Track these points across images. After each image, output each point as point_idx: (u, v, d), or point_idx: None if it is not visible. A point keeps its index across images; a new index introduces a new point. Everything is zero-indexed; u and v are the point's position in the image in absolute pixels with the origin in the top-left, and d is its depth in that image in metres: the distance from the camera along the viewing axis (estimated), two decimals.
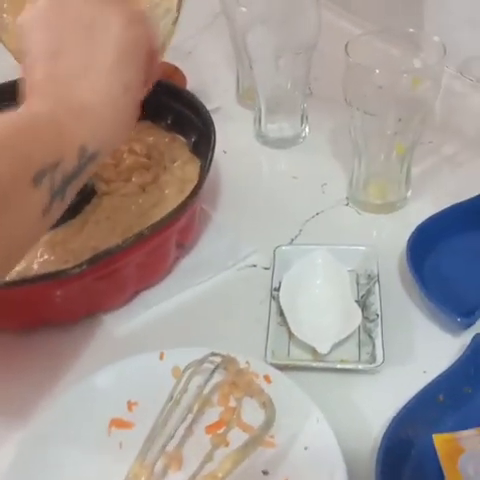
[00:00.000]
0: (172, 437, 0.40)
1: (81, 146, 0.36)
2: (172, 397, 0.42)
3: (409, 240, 0.51)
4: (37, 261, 0.50)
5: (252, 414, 0.43)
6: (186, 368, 0.43)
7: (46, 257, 0.51)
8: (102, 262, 0.45)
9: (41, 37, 0.39)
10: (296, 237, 0.57)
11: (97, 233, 0.52)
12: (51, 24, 0.39)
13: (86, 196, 0.54)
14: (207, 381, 0.42)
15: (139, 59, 0.41)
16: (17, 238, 0.34)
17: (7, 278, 0.48)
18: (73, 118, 0.37)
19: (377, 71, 0.50)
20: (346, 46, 0.51)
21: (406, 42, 0.54)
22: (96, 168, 0.39)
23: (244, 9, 0.61)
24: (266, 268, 0.54)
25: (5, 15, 0.53)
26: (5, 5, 0.53)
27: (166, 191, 0.56)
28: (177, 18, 0.54)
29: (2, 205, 0.31)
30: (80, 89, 0.38)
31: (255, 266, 0.55)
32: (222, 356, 0.43)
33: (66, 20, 0.39)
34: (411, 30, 0.54)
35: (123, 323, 0.51)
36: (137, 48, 0.40)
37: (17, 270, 0.49)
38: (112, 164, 0.57)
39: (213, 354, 0.43)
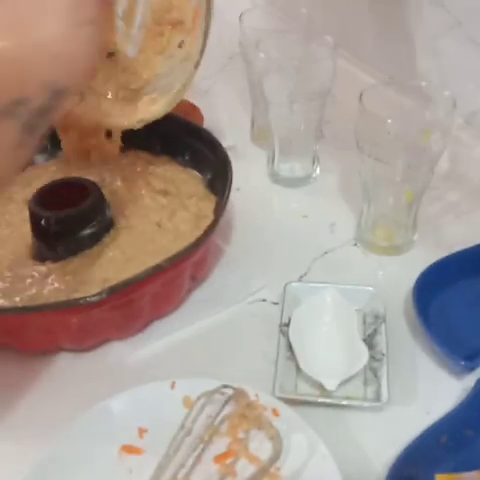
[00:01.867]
0: (183, 466, 0.41)
1: (44, 81, 0.36)
2: (184, 426, 0.43)
3: (416, 283, 0.53)
4: (48, 288, 0.52)
5: (259, 446, 0.44)
6: (198, 398, 0.44)
7: (56, 285, 0.52)
8: (120, 292, 0.47)
9: None
10: (305, 274, 0.59)
11: (109, 266, 0.53)
12: None
13: (105, 227, 0.56)
14: (219, 412, 0.43)
15: None
16: None
17: (23, 303, 0.49)
18: (32, 55, 0.36)
19: (389, 121, 0.52)
20: (361, 95, 0.54)
21: (417, 94, 0.57)
22: (68, 105, 0.39)
23: (262, 55, 0.64)
24: (275, 303, 0.56)
25: None
26: None
27: (181, 227, 0.57)
28: (199, 62, 0.57)
29: None
30: (35, 26, 0.36)
31: (265, 301, 0.57)
32: (233, 389, 0.44)
33: None
34: (423, 83, 0.57)
35: (135, 351, 0.52)
36: None
37: (28, 295, 0.51)
38: (131, 200, 0.59)
39: (225, 386, 0.44)
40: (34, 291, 0.51)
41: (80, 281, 0.52)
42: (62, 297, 0.50)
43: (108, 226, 0.56)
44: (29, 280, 0.52)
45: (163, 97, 0.57)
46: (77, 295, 0.49)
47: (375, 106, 0.53)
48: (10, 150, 0.35)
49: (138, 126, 0.58)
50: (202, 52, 0.56)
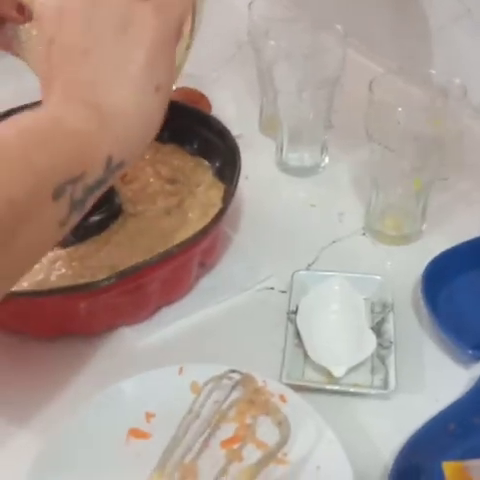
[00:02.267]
0: (190, 449, 0.41)
1: (108, 157, 0.34)
2: (191, 410, 0.43)
3: (424, 272, 0.53)
4: (55, 273, 0.52)
5: (266, 432, 0.44)
6: (206, 383, 0.44)
7: (63, 271, 0.52)
8: (129, 277, 0.47)
9: (71, 29, 0.36)
10: (313, 263, 0.59)
11: (117, 253, 0.53)
12: (84, 16, 0.36)
13: (114, 214, 0.56)
14: (226, 397, 0.43)
15: (171, 50, 0.38)
16: (31, 250, 0.33)
17: (31, 287, 0.50)
18: (100, 126, 0.34)
19: (399, 109, 0.52)
20: (370, 83, 0.54)
21: (427, 82, 0.56)
22: (119, 175, 0.36)
23: (272, 42, 0.64)
24: (283, 291, 0.56)
25: (32, 42, 0.55)
26: (34, 32, 0.55)
27: (189, 215, 0.57)
28: (189, 44, 0.56)
29: (20, 219, 0.30)
30: (109, 94, 0.35)
31: (272, 289, 0.57)
32: (241, 374, 0.44)
33: (99, 13, 0.36)
34: (433, 71, 0.56)
35: (143, 337, 0.53)
36: (170, 38, 0.37)
37: (36, 280, 0.51)
38: (139, 187, 0.59)
39: (232, 371, 0.44)
40: (41, 276, 0.51)
41: (87, 267, 0.52)
42: (69, 283, 0.50)
43: (116, 213, 0.57)
44: (36, 266, 0.52)
45: None
46: (84, 281, 0.50)
47: (385, 94, 0.53)
48: (53, 231, 0.33)
49: None
50: (192, 34, 0.55)
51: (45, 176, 0.31)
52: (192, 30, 0.54)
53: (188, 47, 0.55)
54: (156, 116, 0.37)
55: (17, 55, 0.55)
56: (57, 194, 0.31)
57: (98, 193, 0.35)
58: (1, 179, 0.30)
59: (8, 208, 0.29)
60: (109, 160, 0.34)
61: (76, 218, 0.34)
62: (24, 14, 0.50)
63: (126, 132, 0.36)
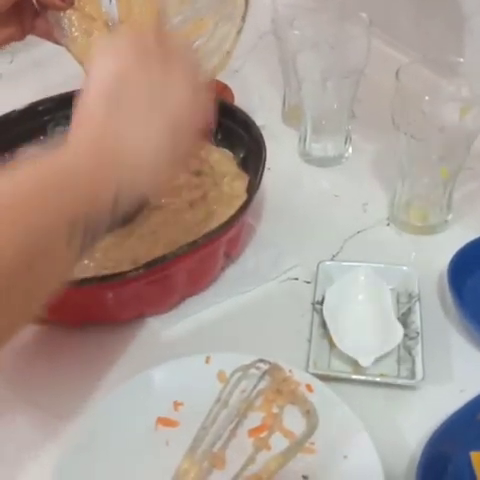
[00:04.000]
0: (219, 438, 0.42)
1: (114, 196, 0.37)
2: (220, 399, 0.44)
3: (450, 262, 0.53)
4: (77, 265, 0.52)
5: (292, 421, 0.44)
6: (234, 372, 0.44)
7: (86, 262, 0.52)
8: (157, 267, 0.47)
9: (108, 84, 0.39)
10: (337, 254, 0.59)
11: (139, 246, 0.54)
12: (123, 78, 0.39)
13: (139, 207, 0.56)
14: (254, 386, 0.44)
15: (190, 135, 0.42)
16: (44, 288, 0.35)
17: None
18: (113, 176, 0.37)
19: (426, 98, 0.52)
20: (397, 72, 0.53)
21: (454, 71, 0.56)
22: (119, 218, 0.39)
23: (297, 32, 0.63)
24: (307, 282, 0.56)
25: (73, 29, 0.56)
26: (73, 18, 0.56)
27: (214, 207, 0.58)
28: (241, 28, 0.57)
29: (35, 250, 0.32)
30: (127, 149, 0.38)
31: (297, 279, 0.57)
32: (269, 363, 0.45)
33: (137, 78, 0.40)
34: (461, 60, 0.56)
35: (169, 327, 0.53)
36: (192, 125, 0.41)
37: None
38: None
39: (260, 361, 0.45)
40: None
41: (110, 259, 0.53)
42: (91, 274, 0.50)
43: (141, 205, 0.57)
44: None
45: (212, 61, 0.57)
46: (106, 272, 0.50)
47: (411, 83, 0.53)
48: (62, 274, 0.35)
49: None
50: (244, 18, 0.56)
51: (60, 211, 0.34)
52: (244, 14, 0.54)
53: (239, 31, 0.55)
54: (164, 175, 0.41)
55: (58, 43, 0.56)
56: (71, 229, 0.34)
57: (103, 232, 0.37)
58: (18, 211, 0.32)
59: (25, 236, 0.32)
60: (115, 200, 0.37)
61: (82, 258, 0.37)
62: (66, 1, 0.52)
63: (135, 183, 0.39)
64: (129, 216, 0.56)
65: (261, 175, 0.55)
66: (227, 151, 0.64)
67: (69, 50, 0.56)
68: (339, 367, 0.49)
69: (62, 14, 0.55)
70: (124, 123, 0.39)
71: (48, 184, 0.34)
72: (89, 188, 0.36)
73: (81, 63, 0.56)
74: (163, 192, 0.58)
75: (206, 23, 0.57)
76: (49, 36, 0.56)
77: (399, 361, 0.48)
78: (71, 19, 0.56)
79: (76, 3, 0.55)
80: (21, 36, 0.55)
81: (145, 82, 0.40)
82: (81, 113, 0.39)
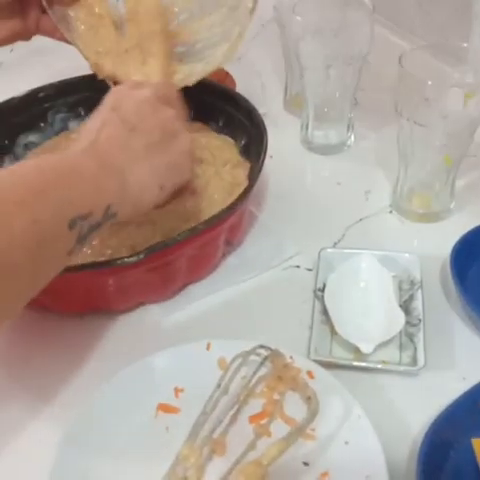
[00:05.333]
0: (219, 424, 0.42)
1: (108, 205, 0.40)
2: (220, 385, 0.44)
3: (453, 250, 0.52)
4: None
5: (293, 407, 0.44)
6: (235, 358, 0.44)
7: (83, 249, 0.52)
8: (158, 253, 0.47)
9: (123, 115, 0.44)
10: (339, 241, 0.59)
11: (137, 234, 0.53)
12: (141, 112, 0.45)
13: None
14: (255, 373, 0.43)
15: (183, 177, 0.48)
16: (43, 275, 0.37)
17: None
18: (111, 182, 0.41)
19: (429, 83, 0.51)
20: (400, 58, 0.53)
21: (458, 57, 0.55)
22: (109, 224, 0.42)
23: (299, 18, 0.63)
24: (309, 269, 0.56)
25: (79, 23, 0.56)
26: (80, 13, 0.56)
27: (215, 196, 0.57)
28: (253, 7, 0.56)
29: (40, 240, 0.35)
30: (127, 169, 0.43)
31: (298, 267, 0.57)
32: (270, 350, 0.44)
33: (154, 119, 0.45)
34: (464, 45, 0.55)
35: (170, 314, 0.53)
36: (186, 173, 0.48)
37: None
38: None
39: (261, 347, 0.45)
40: None
41: (107, 246, 0.52)
42: (88, 261, 0.50)
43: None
44: None
45: (223, 45, 0.57)
46: (103, 259, 0.50)
47: (415, 69, 0.52)
48: (63, 258, 0.38)
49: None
50: None
51: (62, 206, 0.37)
52: None
53: (252, 11, 0.55)
54: (151, 205, 0.46)
55: (64, 41, 0.55)
56: (71, 225, 0.37)
57: (96, 234, 0.41)
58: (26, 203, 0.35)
59: (32, 227, 0.34)
60: (108, 209, 0.40)
61: (78, 251, 0.39)
62: None
63: (127, 195, 0.43)
64: None
65: (262, 162, 0.55)
66: (228, 138, 0.63)
67: (76, 45, 0.55)
68: (340, 354, 0.48)
69: (68, 9, 0.55)
70: (133, 147, 0.44)
71: (54, 178, 0.38)
72: (89, 189, 0.39)
73: (87, 58, 0.55)
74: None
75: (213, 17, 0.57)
76: (55, 34, 0.55)
77: (401, 348, 0.48)
78: (78, 14, 0.56)
79: (82, 0, 0.55)
80: (26, 34, 0.55)
81: (167, 121, 0.46)
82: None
